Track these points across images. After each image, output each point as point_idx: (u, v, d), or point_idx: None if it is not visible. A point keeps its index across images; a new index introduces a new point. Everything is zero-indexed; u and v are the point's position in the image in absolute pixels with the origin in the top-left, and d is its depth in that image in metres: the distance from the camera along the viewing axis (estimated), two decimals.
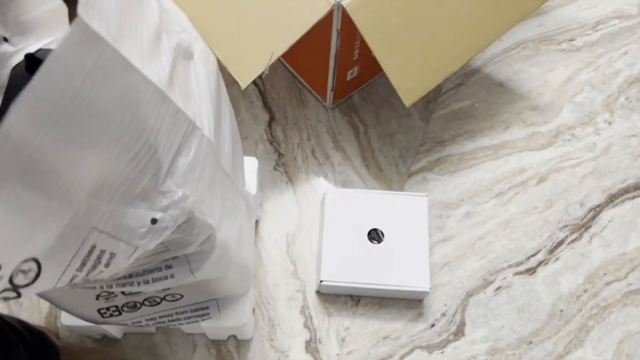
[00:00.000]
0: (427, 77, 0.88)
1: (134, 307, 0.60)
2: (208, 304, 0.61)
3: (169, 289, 0.56)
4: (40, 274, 0.33)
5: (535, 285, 0.95)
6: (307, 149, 1.07)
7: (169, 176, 0.40)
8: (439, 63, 0.89)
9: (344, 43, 0.93)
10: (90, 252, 0.36)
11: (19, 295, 0.33)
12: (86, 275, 0.37)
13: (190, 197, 0.41)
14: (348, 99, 1.12)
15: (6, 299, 0.32)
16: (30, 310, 0.90)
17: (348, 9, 0.81)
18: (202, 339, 0.89)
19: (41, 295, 0.57)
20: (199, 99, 0.47)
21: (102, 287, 0.51)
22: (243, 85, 0.84)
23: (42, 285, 0.34)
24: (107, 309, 0.61)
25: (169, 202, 0.39)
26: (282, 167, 1.05)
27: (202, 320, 0.64)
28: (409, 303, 0.92)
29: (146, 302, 0.59)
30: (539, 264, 0.97)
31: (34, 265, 0.32)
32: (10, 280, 0.31)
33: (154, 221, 0.39)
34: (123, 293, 0.56)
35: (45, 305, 0.91)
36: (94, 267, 0.37)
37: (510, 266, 0.96)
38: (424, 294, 0.90)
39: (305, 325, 0.91)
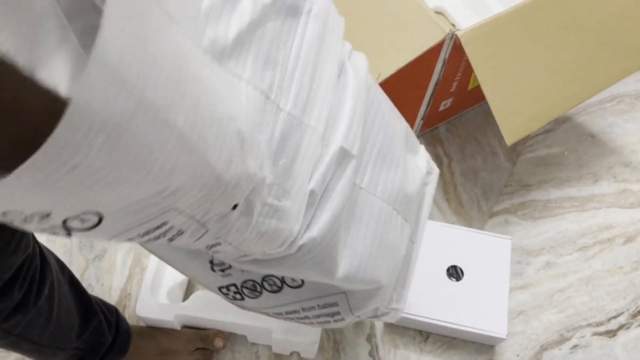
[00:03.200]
0: (531, 117, 0.86)
1: (254, 289, 0.55)
2: (336, 299, 0.54)
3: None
4: (98, 225, 0.30)
5: (614, 349, 0.90)
6: None
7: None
8: (545, 105, 0.87)
9: (446, 73, 0.92)
10: (159, 227, 0.33)
11: (69, 234, 0.30)
12: (145, 239, 0.34)
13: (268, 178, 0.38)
14: (434, 130, 1.11)
15: (55, 233, 0.29)
16: (101, 296, 0.90)
17: (462, 39, 0.80)
18: (265, 351, 0.87)
19: (157, 255, 0.54)
20: (298, 69, 0.42)
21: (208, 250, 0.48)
22: None
23: (97, 234, 0.31)
24: (228, 288, 0.56)
25: (253, 186, 0.36)
26: None
27: (335, 321, 0.57)
28: (480, 347, 0.89)
29: (266, 285, 0.54)
30: (620, 327, 0.92)
31: (94, 218, 0.29)
32: (64, 223, 0.28)
33: (234, 207, 0.36)
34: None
35: (115, 294, 0.91)
36: (157, 237, 0.35)
37: (589, 325, 0.92)
38: (499, 340, 0.86)
39: (371, 354, 0.88)
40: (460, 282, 0.88)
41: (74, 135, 0.23)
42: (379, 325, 0.90)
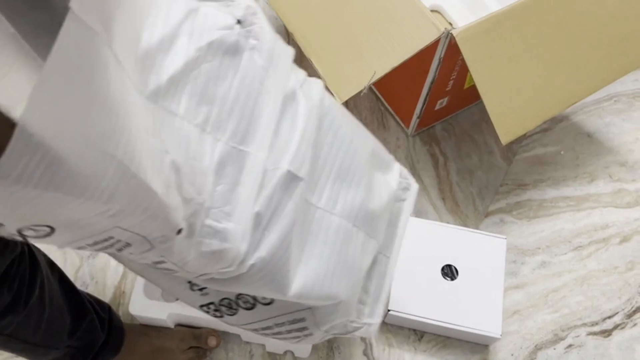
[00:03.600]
0: (527, 117, 0.86)
1: (230, 306, 0.58)
2: (304, 315, 0.56)
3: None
4: (51, 235, 0.33)
5: (609, 349, 0.90)
6: None
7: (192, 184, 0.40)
8: (540, 104, 0.87)
9: (442, 72, 0.92)
10: (106, 239, 0.37)
11: (26, 241, 0.35)
12: (96, 249, 0.39)
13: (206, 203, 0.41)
14: (430, 129, 1.10)
15: (14, 238, 0.33)
16: (95, 293, 0.90)
17: (457, 38, 0.80)
18: (259, 350, 0.87)
19: (138, 274, 0.57)
20: (240, 103, 0.45)
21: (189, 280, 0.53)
22: (339, 101, 0.83)
23: (52, 241, 0.35)
24: (208, 306, 0.59)
25: (193, 210, 0.40)
26: None
27: (305, 336, 0.60)
28: (474, 347, 0.89)
29: (240, 303, 0.57)
30: (615, 327, 0.92)
31: (46, 229, 0.32)
32: (19, 232, 0.31)
33: (179, 231, 0.39)
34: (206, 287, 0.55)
35: (109, 292, 0.91)
36: (106, 248, 0.38)
37: (584, 325, 0.92)
38: (493, 340, 0.86)
39: (365, 353, 0.88)
40: (455, 281, 0.88)
41: (18, 161, 0.26)
42: None
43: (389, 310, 0.85)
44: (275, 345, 0.84)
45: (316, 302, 0.54)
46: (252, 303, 0.56)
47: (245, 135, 0.45)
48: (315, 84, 0.54)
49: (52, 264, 0.61)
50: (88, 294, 0.72)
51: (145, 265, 0.50)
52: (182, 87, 0.41)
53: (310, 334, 0.59)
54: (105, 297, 0.90)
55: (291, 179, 0.48)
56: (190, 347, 0.82)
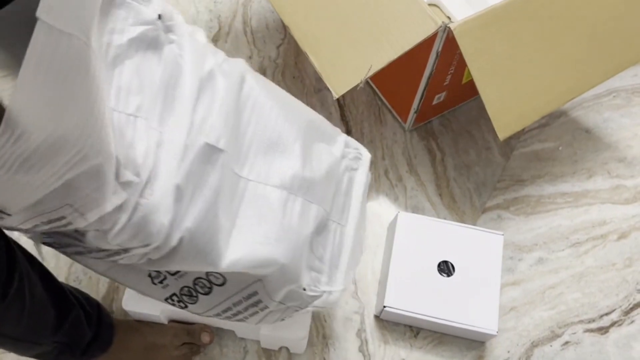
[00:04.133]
0: (525, 112, 0.85)
1: (190, 294, 0.60)
2: (255, 288, 0.58)
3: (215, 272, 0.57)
4: (4, 218, 0.40)
5: (606, 346, 0.89)
6: (381, 169, 1.04)
7: (126, 167, 0.45)
8: (539, 100, 0.86)
9: (439, 66, 0.91)
10: (58, 219, 0.43)
11: None
12: (49, 228, 0.45)
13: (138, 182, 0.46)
14: (428, 124, 1.09)
15: None
16: (88, 289, 0.89)
17: (455, 32, 0.79)
18: (253, 346, 0.86)
19: (106, 276, 0.60)
20: (162, 90, 0.51)
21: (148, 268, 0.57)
22: (335, 95, 0.82)
23: (5, 223, 0.42)
24: (172, 298, 0.62)
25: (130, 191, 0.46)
26: None
27: (262, 310, 0.62)
28: (470, 343, 0.88)
29: (198, 289, 0.59)
30: (612, 324, 0.91)
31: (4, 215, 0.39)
32: None
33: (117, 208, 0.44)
34: (169, 273, 0.58)
35: (103, 287, 0.90)
36: (58, 227, 0.45)
37: (581, 322, 0.91)
38: (489, 336, 0.85)
39: (360, 350, 0.87)
40: (452, 277, 0.87)
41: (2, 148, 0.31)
42: (369, 320, 0.90)
43: (385, 307, 0.84)
44: (270, 341, 0.83)
45: (256, 269, 0.55)
46: (208, 287, 0.59)
47: (166, 118, 0.50)
48: (237, 62, 0.59)
49: (32, 259, 0.60)
50: (76, 290, 0.71)
51: (107, 263, 0.55)
52: (109, 83, 0.47)
53: (267, 307, 0.61)
54: (99, 292, 0.89)
55: (210, 151, 0.51)
56: (184, 344, 0.81)
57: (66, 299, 0.65)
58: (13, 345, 0.60)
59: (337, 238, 0.64)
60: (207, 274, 0.58)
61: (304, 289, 0.60)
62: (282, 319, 0.66)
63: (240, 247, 0.54)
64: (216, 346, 0.86)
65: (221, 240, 0.52)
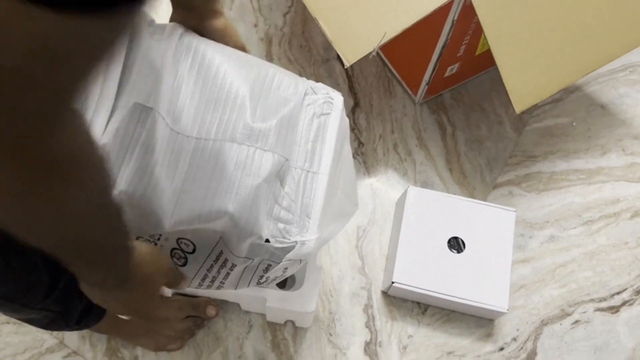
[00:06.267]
0: (542, 85, 0.82)
1: (177, 263, 0.60)
2: (220, 247, 0.58)
3: (184, 238, 0.57)
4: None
5: (616, 326, 0.88)
6: (389, 142, 1.01)
7: None
8: (557, 72, 0.83)
9: (454, 36, 0.88)
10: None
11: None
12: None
13: None
14: (439, 97, 1.06)
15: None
16: None
17: (474, 1, 0.76)
18: (258, 320, 0.85)
19: None
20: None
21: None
22: (347, 64, 0.79)
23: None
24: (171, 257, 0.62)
25: None
26: (361, 156, 1.00)
27: (231, 270, 0.60)
28: (479, 321, 0.87)
29: (177, 262, 0.59)
30: (624, 303, 0.90)
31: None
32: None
33: None
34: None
35: None
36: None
37: (592, 300, 0.89)
38: (499, 314, 0.84)
39: (367, 326, 0.86)
40: (462, 254, 0.85)
41: None
42: (376, 296, 0.88)
43: (393, 282, 0.82)
44: (276, 314, 0.82)
45: (206, 223, 0.54)
46: (184, 257, 0.59)
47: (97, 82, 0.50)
48: (174, 26, 0.59)
49: None
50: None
51: None
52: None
53: (234, 265, 0.59)
54: None
55: (141, 109, 0.51)
56: (188, 317, 0.80)
57: (58, 265, 0.62)
58: (1, 305, 0.57)
59: (308, 185, 0.60)
60: (178, 241, 0.58)
61: (267, 241, 0.57)
62: (263, 281, 0.63)
63: (186, 205, 0.53)
64: (220, 320, 0.84)
65: (163, 199, 0.51)
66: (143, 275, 0.50)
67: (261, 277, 0.61)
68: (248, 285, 0.63)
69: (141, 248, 0.50)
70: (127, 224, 0.41)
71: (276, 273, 0.60)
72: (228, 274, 0.61)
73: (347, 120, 0.68)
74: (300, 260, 0.59)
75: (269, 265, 0.59)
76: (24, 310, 0.60)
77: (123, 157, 0.50)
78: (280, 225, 0.58)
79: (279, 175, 0.58)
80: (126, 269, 0.47)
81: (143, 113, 0.51)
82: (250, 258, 0.58)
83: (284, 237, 0.58)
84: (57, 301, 0.61)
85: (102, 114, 0.49)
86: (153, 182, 0.51)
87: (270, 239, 0.57)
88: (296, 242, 0.58)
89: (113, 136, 0.49)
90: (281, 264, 0.58)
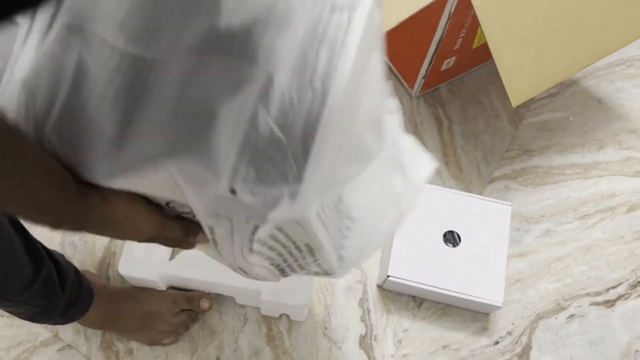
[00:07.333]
0: (539, 78, 0.82)
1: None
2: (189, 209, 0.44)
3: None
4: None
5: (611, 320, 0.88)
6: None
7: None
8: (554, 66, 0.82)
9: (450, 29, 0.87)
10: None
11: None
12: None
13: None
14: (435, 90, 1.06)
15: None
16: (84, 254, 0.87)
17: None
18: (254, 314, 0.84)
19: None
20: None
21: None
22: None
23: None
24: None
25: None
26: None
27: (210, 232, 0.44)
28: (474, 315, 0.87)
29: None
30: (619, 297, 0.90)
31: None
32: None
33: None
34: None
35: (99, 253, 0.88)
36: None
37: (587, 295, 0.89)
38: (494, 308, 0.84)
39: (362, 319, 0.86)
40: (457, 248, 0.85)
41: None
42: (371, 290, 0.88)
43: (388, 276, 0.82)
44: (270, 308, 0.81)
45: (157, 166, 0.39)
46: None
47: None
48: None
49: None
50: (54, 252, 0.67)
51: None
52: None
53: (210, 226, 0.44)
54: (95, 257, 0.87)
55: (72, 29, 0.38)
56: (182, 310, 0.79)
57: (38, 255, 0.61)
58: None
59: (305, 109, 0.38)
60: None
61: (233, 191, 0.39)
62: (273, 257, 0.47)
63: (148, 139, 0.38)
64: (215, 313, 0.84)
65: (101, 146, 0.39)
66: (115, 220, 0.41)
67: (251, 241, 0.45)
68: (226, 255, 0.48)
69: (115, 194, 0.41)
70: (60, 171, 0.36)
71: (273, 241, 0.45)
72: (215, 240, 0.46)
73: (378, 18, 0.42)
74: (299, 222, 0.42)
75: (258, 226, 0.43)
76: (3, 304, 0.60)
77: (55, 87, 0.38)
78: (251, 170, 0.39)
79: (259, 95, 0.38)
80: (78, 214, 0.39)
81: (74, 33, 0.38)
82: (219, 215, 0.42)
83: (260, 186, 0.39)
84: (38, 294, 0.61)
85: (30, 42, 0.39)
86: (89, 125, 0.38)
87: (236, 189, 0.39)
88: (280, 194, 0.39)
89: (33, 68, 0.38)
90: (268, 224, 0.42)
